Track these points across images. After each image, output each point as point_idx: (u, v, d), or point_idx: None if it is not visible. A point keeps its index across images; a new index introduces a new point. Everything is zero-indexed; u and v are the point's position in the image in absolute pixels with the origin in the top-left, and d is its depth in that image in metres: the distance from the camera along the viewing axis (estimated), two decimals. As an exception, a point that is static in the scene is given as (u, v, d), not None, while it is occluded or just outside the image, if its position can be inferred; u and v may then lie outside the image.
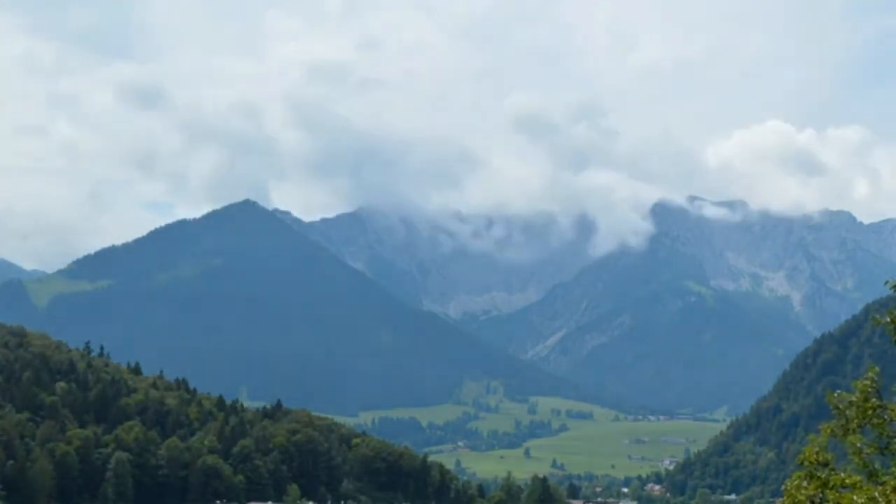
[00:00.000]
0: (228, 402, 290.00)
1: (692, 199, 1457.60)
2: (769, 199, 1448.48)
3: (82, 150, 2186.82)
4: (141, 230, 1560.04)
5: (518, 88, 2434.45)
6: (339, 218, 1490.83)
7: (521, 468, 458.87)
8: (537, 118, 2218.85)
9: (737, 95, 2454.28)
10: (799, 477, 30.47)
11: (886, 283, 31.14)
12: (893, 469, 30.07)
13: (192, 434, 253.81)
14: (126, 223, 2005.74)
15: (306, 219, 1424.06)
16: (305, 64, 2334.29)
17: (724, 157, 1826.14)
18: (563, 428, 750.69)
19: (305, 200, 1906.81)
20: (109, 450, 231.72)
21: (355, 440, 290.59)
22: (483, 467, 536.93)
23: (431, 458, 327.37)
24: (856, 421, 30.02)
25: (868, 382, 30.04)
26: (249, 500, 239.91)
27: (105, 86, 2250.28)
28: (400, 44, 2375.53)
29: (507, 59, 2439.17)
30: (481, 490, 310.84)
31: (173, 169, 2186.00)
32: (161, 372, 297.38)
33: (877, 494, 28.53)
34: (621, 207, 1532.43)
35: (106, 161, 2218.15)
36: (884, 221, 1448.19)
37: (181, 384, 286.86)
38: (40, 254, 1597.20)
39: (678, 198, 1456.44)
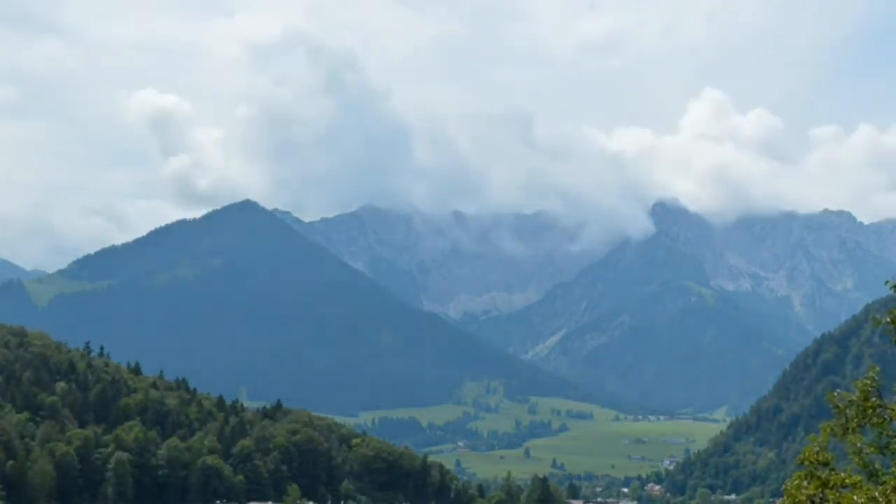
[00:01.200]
0: (228, 402, 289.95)
1: (693, 197, 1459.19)
2: (769, 199, 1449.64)
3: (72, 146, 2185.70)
4: (141, 230, 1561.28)
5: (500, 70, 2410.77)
6: (339, 218, 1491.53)
7: (521, 468, 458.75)
8: (531, 108, 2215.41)
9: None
10: (799, 476, 30.47)
11: (887, 283, 31.15)
12: (893, 469, 30.07)
13: (192, 434, 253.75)
14: (125, 223, 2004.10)
15: (306, 219, 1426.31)
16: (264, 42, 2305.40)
17: (725, 155, 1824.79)
18: (563, 428, 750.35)
19: (305, 200, 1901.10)
20: (109, 450, 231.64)
21: (355, 440, 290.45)
22: (483, 467, 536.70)
23: (431, 459, 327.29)
24: (855, 420, 30.02)
25: (868, 382, 30.04)
26: (249, 500, 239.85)
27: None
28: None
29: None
30: (481, 490, 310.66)
31: (164, 167, 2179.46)
32: (161, 372, 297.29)
33: (877, 494, 28.52)
34: (621, 207, 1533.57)
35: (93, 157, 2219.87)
36: (884, 221, 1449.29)
37: (181, 384, 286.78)
38: (40, 254, 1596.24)
39: (678, 197, 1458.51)
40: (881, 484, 29.44)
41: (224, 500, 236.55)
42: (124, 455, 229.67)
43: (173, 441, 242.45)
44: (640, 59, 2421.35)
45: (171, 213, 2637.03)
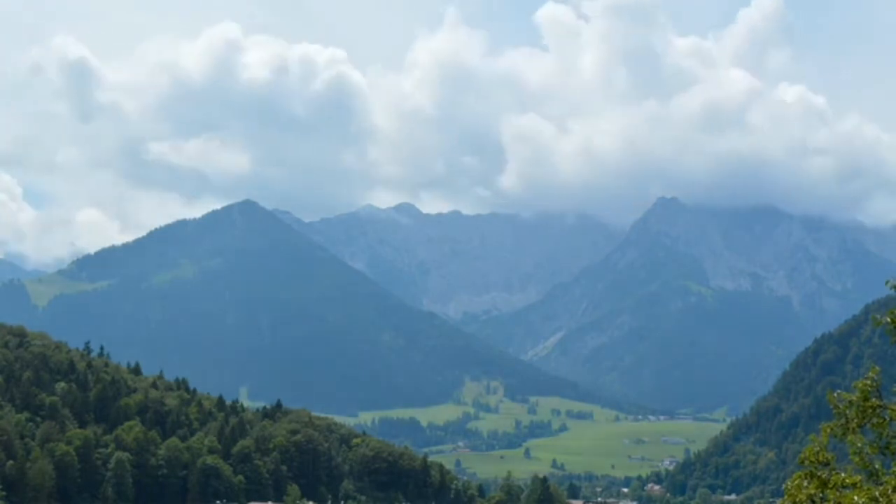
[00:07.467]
0: (228, 402, 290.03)
1: (693, 198, 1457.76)
2: (769, 199, 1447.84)
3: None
4: (141, 230, 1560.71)
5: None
6: (339, 218, 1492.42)
7: (521, 468, 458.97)
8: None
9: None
10: (800, 476, 30.46)
11: (887, 282, 31.12)
12: (894, 469, 30.07)
13: (192, 434, 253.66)
14: (126, 223, 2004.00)
15: (306, 219, 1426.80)
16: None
17: (724, 154, 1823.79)
18: (563, 428, 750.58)
19: (305, 200, 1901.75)
20: (109, 450, 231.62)
21: (355, 440, 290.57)
22: (483, 467, 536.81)
23: (431, 459, 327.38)
24: (855, 420, 30.00)
25: (868, 382, 30.01)
26: (249, 500, 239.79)
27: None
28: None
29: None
30: (481, 490, 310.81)
31: (168, 167, 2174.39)
32: (161, 372, 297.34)
33: (877, 494, 28.52)
34: (621, 206, 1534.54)
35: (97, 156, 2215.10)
36: (884, 221, 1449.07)
37: (181, 384, 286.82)
38: (40, 254, 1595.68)
39: (679, 196, 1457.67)
40: (881, 484, 29.43)
41: (224, 500, 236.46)
42: (124, 455, 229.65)
43: (173, 441, 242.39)
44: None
45: (171, 213, 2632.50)
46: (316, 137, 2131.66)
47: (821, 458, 30.23)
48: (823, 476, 29.91)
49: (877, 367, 30.84)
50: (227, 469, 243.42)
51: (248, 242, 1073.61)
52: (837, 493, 29.32)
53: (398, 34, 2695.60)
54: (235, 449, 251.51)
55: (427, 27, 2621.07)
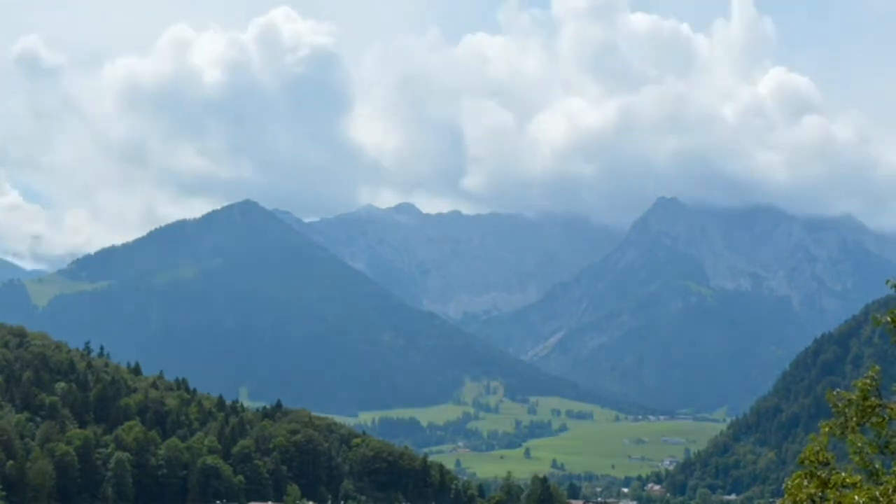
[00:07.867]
0: (228, 402, 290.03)
1: (693, 197, 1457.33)
2: (770, 199, 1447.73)
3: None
4: (141, 230, 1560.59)
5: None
6: (339, 218, 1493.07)
7: (521, 468, 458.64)
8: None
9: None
10: (800, 476, 30.43)
11: (887, 282, 31.11)
12: (894, 469, 30.05)
13: (192, 434, 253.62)
14: (126, 223, 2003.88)
15: (306, 219, 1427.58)
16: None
17: (721, 153, 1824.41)
18: (563, 428, 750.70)
19: (305, 200, 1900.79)
20: (109, 450, 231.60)
21: (355, 440, 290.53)
22: (483, 467, 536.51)
23: (431, 459, 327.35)
24: (854, 419, 29.98)
25: (868, 381, 29.99)
26: (249, 500, 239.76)
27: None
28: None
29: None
30: (481, 490, 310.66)
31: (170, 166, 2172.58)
32: (161, 372, 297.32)
33: (877, 494, 28.50)
34: (620, 206, 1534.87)
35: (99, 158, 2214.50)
36: (884, 221, 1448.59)
37: (181, 384, 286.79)
38: (40, 254, 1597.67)
39: (679, 196, 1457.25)
40: (881, 484, 29.41)
41: (224, 500, 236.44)
42: (124, 455, 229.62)
43: (173, 441, 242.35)
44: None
45: (172, 213, 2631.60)
46: (306, 134, 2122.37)
47: (821, 458, 30.22)
48: (823, 476, 29.89)
49: (877, 367, 30.83)
50: (227, 469, 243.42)
51: (248, 242, 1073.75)
52: (837, 493, 29.31)
53: (381, 31, 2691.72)
54: (235, 449, 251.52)
55: (407, 25, 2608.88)
